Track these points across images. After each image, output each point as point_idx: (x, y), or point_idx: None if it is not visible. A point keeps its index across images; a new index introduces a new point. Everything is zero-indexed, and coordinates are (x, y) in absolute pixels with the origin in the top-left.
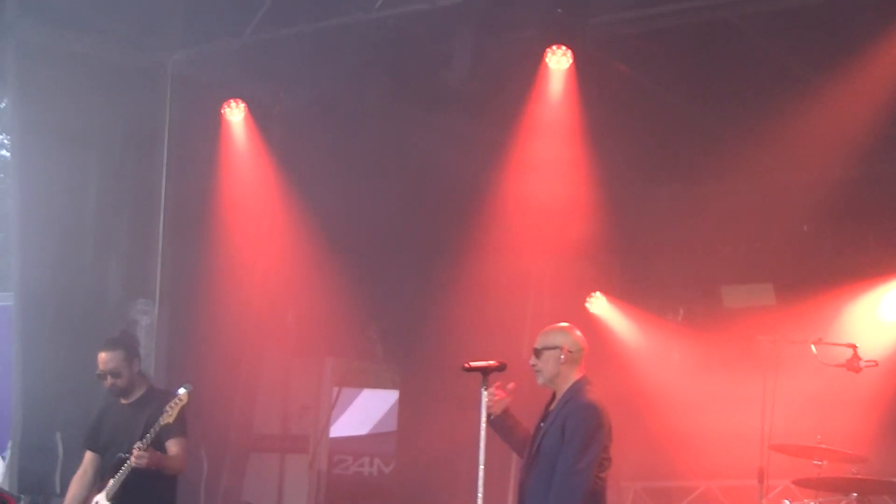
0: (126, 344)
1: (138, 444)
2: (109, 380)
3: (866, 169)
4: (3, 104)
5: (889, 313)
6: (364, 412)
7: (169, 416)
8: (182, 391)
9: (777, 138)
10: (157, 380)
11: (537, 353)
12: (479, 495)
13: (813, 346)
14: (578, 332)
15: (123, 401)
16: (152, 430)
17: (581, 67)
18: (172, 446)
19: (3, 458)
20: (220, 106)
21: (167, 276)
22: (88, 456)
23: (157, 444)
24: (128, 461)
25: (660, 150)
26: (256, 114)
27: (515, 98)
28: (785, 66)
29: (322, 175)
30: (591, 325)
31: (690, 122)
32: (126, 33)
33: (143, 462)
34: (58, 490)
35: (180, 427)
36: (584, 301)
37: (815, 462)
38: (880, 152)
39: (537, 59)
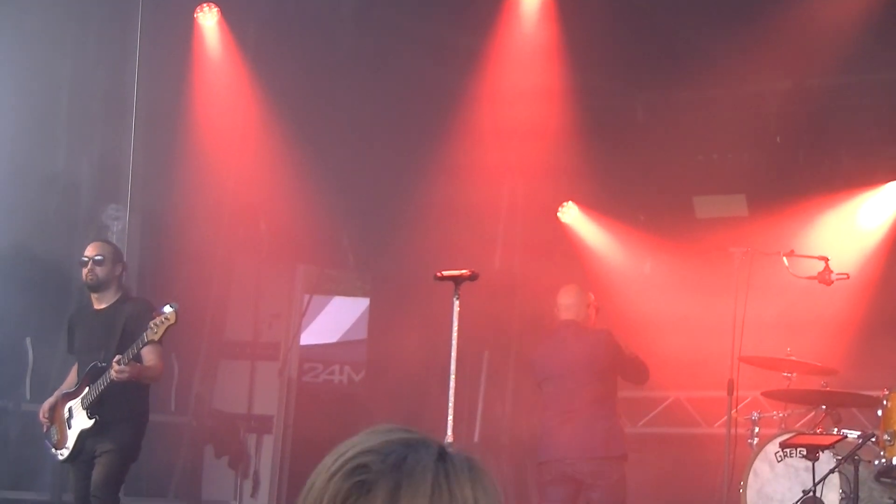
0: (116, 247)
1: (119, 357)
2: (90, 266)
3: (840, 79)
4: None
5: (861, 225)
6: (334, 320)
7: (155, 333)
8: (169, 310)
9: (752, 46)
10: (127, 284)
11: None
12: (450, 404)
13: (785, 259)
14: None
15: (95, 306)
16: (135, 345)
17: None
18: (149, 354)
19: None
20: (193, 9)
21: (138, 181)
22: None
23: (135, 355)
24: (106, 373)
25: (635, 59)
26: (230, 18)
27: (492, 6)
28: None
29: (295, 82)
30: (563, 234)
31: (667, 30)
32: None
33: (124, 376)
34: (27, 396)
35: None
36: (557, 211)
37: (785, 374)
38: (855, 62)
39: None
